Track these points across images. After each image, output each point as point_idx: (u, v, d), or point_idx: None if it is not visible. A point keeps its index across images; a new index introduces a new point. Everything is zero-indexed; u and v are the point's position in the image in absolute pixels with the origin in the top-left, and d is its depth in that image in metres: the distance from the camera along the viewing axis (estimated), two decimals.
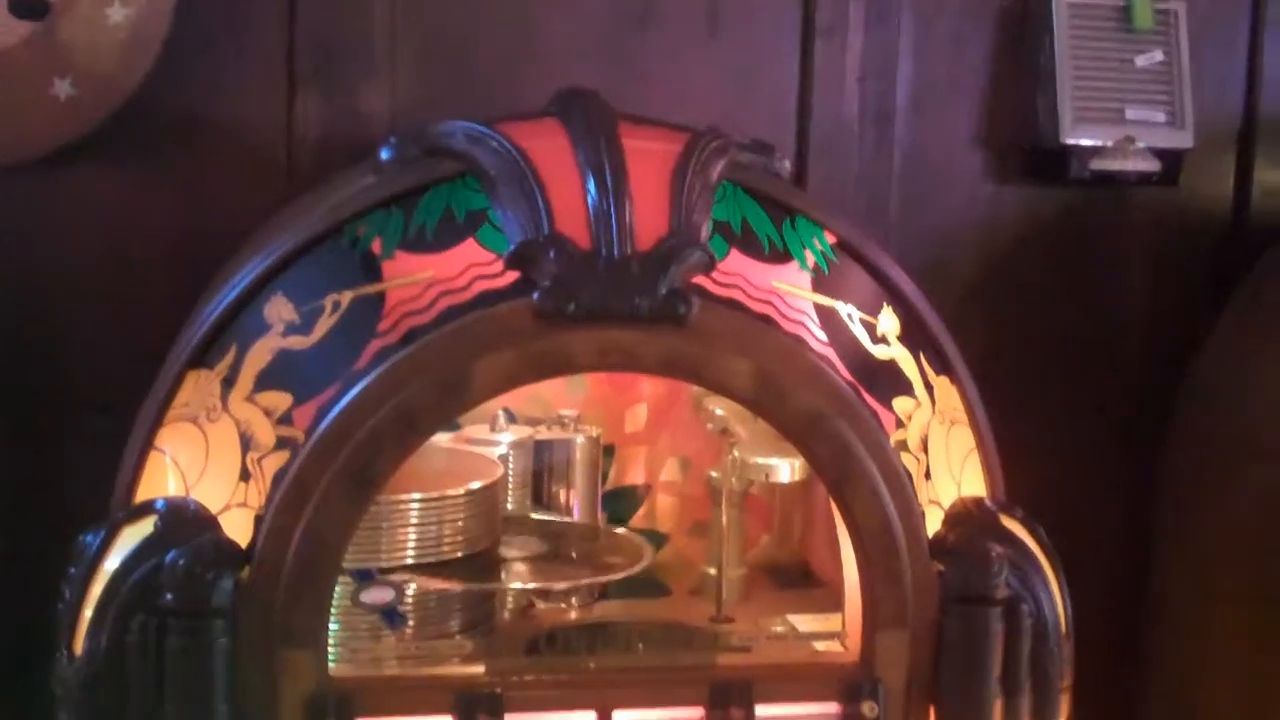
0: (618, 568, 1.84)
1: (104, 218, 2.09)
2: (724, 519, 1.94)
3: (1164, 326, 2.43)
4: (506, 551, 1.86)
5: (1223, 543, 2.21)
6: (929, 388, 1.71)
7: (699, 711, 1.59)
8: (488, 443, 1.94)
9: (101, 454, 1.65)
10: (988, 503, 1.69)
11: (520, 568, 1.84)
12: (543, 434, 1.99)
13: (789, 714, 1.60)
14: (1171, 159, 2.36)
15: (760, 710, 1.59)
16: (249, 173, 2.11)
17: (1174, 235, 2.43)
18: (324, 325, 1.56)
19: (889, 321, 1.70)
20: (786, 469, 1.91)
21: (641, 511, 2.08)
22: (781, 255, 1.66)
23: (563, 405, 2.01)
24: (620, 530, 2.01)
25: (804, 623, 1.83)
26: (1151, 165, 2.35)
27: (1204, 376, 2.32)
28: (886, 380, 1.67)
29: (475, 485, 1.79)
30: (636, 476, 2.09)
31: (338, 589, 1.56)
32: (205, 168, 2.11)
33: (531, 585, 1.84)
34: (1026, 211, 2.38)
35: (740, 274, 1.62)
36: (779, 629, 1.82)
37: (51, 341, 2.09)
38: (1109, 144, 2.32)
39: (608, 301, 1.53)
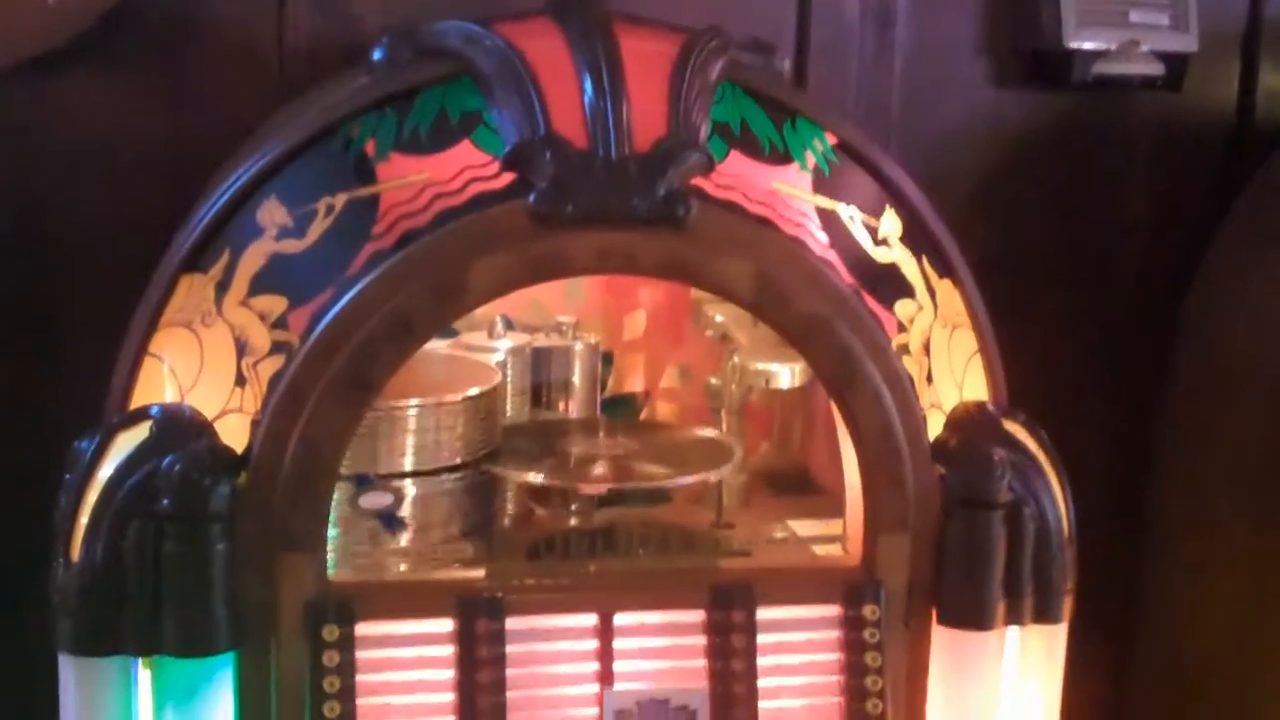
0: (707, 466, 1.81)
1: (93, 124, 2.05)
2: (724, 426, 1.93)
3: (1167, 233, 2.41)
4: (589, 450, 1.84)
5: (1222, 464, 2.20)
6: (931, 291, 1.69)
7: (700, 614, 1.59)
8: (486, 349, 1.93)
9: (96, 360, 1.63)
10: (990, 406, 1.68)
11: (602, 469, 1.81)
12: (541, 341, 1.98)
13: (791, 616, 1.59)
14: (1175, 63, 2.32)
15: (762, 613, 1.58)
16: (240, 77, 2.07)
17: (1178, 140, 2.40)
18: (318, 228, 1.54)
19: (891, 224, 1.68)
20: (787, 374, 1.90)
21: (640, 419, 2.07)
22: (782, 156, 1.64)
23: (561, 312, 1.99)
24: (705, 431, 1.95)
25: (804, 528, 1.82)
26: (1155, 69, 2.31)
27: (1206, 286, 2.30)
28: (888, 283, 1.66)
29: (474, 391, 1.78)
30: (635, 384, 2.08)
31: (336, 494, 1.55)
32: (196, 73, 2.07)
33: (660, 484, 1.80)
34: (1028, 116, 2.35)
35: (740, 175, 1.60)
36: (780, 534, 1.81)
37: (42, 249, 2.07)
38: (1113, 47, 2.29)
39: (605, 203, 1.51)
